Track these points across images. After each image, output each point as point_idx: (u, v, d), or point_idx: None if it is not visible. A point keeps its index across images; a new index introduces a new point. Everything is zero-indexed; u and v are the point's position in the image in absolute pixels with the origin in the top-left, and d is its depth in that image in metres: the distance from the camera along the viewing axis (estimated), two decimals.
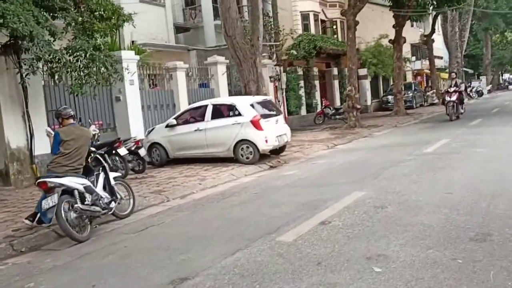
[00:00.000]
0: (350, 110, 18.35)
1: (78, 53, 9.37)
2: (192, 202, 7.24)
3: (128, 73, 11.67)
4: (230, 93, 16.43)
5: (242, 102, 10.94)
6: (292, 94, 20.64)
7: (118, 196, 6.40)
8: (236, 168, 10.12)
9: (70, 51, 9.08)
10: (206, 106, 11.20)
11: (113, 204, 6.18)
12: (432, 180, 6.71)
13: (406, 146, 10.96)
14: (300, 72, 21.54)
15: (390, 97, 27.18)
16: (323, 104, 22.01)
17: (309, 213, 5.32)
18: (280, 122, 11.31)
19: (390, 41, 24.55)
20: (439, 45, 40.76)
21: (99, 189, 6.04)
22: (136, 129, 12.28)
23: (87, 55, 9.39)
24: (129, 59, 12.14)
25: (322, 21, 32.44)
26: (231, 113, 10.87)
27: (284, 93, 19.68)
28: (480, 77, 49.39)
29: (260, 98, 11.44)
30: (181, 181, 8.98)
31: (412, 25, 36.49)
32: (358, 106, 18.32)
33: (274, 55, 21.02)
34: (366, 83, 28.92)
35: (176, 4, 21.53)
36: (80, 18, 9.78)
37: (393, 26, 23.73)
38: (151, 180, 9.31)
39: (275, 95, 19.10)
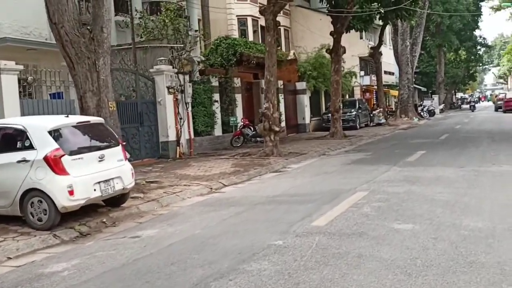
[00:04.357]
0: (267, 133, 14.45)
1: None
2: None
3: None
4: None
5: (38, 126, 6.75)
6: (201, 110, 16.54)
7: None
8: (7, 241, 5.92)
9: None
10: None
11: None
12: None
13: (299, 204, 7.08)
14: (215, 83, 17.49)
15: (330, 115, 23.55)
16: (242, 123, 18.05)
17: None
18: (111, 160, 7.16)
19: (327, 51, 21.01)
20: (390, 60, 38.00)
21: None
22: None
23: None
24: None
25: (263, 28, 28.82)
26: (19, 144, 6.66)
27: (189, 108, 15.59)
28: (433, 95, 47.24)
29: (76, 119, 7.26)
30: None
31: (361, 37, 33.45)
32: (277, 129, 14.40)
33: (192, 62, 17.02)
34: (305, 99, 25.26)
35: None
36: None
37: (331, 34, 20.22)
38: None
39: (176, 111, 14.99)
